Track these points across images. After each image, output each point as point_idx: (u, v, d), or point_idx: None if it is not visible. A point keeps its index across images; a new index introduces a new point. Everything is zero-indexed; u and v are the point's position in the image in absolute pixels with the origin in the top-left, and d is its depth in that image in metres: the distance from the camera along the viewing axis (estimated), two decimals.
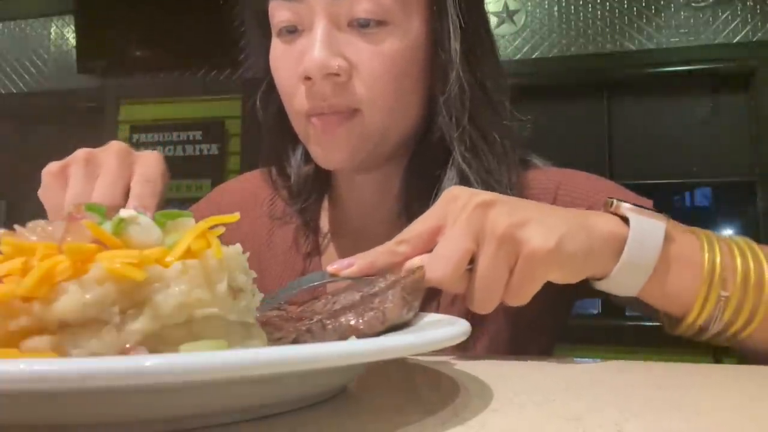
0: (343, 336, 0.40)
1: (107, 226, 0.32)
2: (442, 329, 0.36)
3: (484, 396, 0.36)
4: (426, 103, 0.66)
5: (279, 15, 0.64)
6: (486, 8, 0.70)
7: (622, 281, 0.49)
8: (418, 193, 0.66)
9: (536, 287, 0.47)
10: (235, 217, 0.39)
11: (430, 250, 0.48)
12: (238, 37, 3.43)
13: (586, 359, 0.52)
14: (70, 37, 3.68)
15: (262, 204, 0.80)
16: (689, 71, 2.94)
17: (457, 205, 0.48)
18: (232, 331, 0.33)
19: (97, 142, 0.62)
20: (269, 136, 0.75)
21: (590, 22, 3.05)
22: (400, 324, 0.42)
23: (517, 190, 0.66)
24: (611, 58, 3.01)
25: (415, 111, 0.66)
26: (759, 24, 2.88)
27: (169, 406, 0.28)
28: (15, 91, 3.79)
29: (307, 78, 0.60)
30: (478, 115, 0.64)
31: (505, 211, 0.47)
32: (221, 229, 0.35)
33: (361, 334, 0.40)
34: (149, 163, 0.58)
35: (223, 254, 0.33)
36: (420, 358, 0.51)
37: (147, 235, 0.33)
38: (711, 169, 2.97)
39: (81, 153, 0.57)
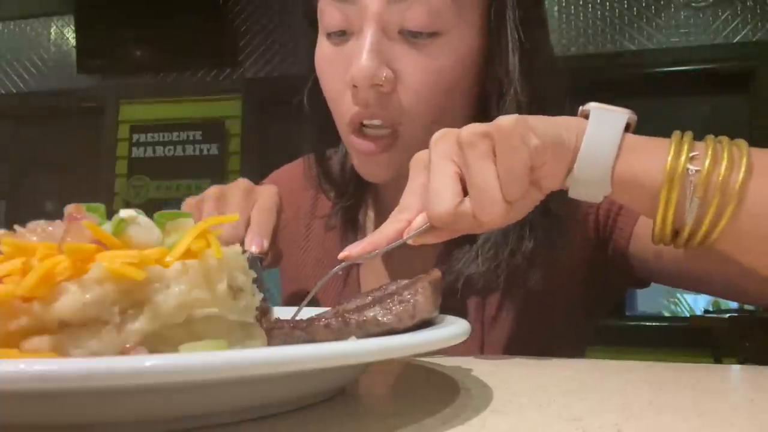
0: (366, 331, 0.39)
1: (107, 227, 0.32)
2: (442, 329, 0.36)
3: (485, 396, 0.36)
4: (477, 110, 0.65)
5: (329, 17, 0.62)
6: (546, 20, 0.68)
7: (587, 173, 0.47)
8: None
9: (523, 165, 0.45)
10: (235, 217, 0.39)
11: None
12: (238, 37, 3.43)
13: (587, 359, 0.52)
14: (70, 37, 3.67)
15: (307, 192, 0.81)
16: (689, 71, 2.93)
17: (424, 158, 0.49)
18: (232, 331, 0.33)
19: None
20: (315, 132, 0.74)
21: (590, 22, 3.04)
22: (426, 322, 0.40)
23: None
24: (611, 58, 3.01)
25: (460, 122, 0.65)
26: (759, 24, 2.87)
27: (169, 406, 0.28)
28: (15, 91, 3.79)
29: (354, 86, 0.59)
30: None
31: (464, 127, 0.47)
32: (221, 230, 0.35)
33: (388, 329, 0.38)
34: (266, 195, 0.61)
35: (223, 254, 0.33)
36: (420, 358, 0.51)
37: (147, 235, 0.33)
38: None
39: (213, 191, 0.62)
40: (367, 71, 0.58)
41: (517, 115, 0.46)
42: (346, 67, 0.60)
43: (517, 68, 0.61)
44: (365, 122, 0.61)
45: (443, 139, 0.47)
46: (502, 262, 0.61)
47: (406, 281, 0.43)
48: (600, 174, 0.47)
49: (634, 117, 0.48)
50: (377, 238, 0.47)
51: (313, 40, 0.67)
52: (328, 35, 0.63)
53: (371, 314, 0.39)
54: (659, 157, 0.46)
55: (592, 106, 0.48)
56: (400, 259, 0.72)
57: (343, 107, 0.62)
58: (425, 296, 0.40)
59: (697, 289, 0.65)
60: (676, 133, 0.48)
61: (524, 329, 0.65)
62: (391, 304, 0.39)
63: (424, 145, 0.61)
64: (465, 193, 0.46)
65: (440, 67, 0.60)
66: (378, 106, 0.60)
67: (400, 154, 0.61)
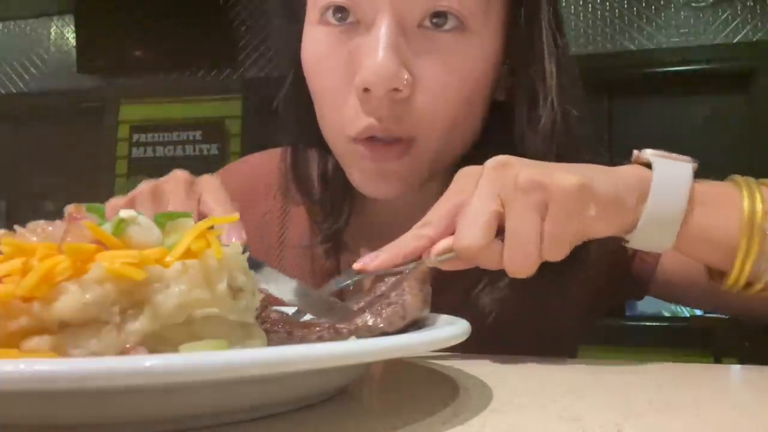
0: (360, 339, 0.38)
1: (107, 227, 0.32)
2: (442, 329, 0.36)
3: (484, 396, 0.36)
4: (490, 120, 0.58)
5: None
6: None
7: (653, 230, 0.44)
8: None
9: (573, 233, 0.43)
10: (235, 217, 0.39)
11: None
12: (238, 37, 3.43)
13: (587, 359, 0.51)
14: (70, 37, 3.68)
15: (276, 201, 0.69)
16: (689, 71, 2.94)
17: (473, 176, 0.45)
18: (232, 331, 0.33)
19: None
20: (294, 147, 0.64)
21: (590, 22, 3.04)
22: (418, 321, 0.40)
23: None
24: (611, 58, 3.01)
25: (472, 135, 0.57)
26: (759, 24, 2.87)
27: (168, 406, 0.28)
28: (15, 91, 3.79)
29: (366, 90, 0.50)
30: (564, 153, 0.53)
31: (524, 165, 0.43)
32: (221, 230, 0.35)
33: (380, 334, 0.38)
34: (213, 187, 0.51)
35: (223, 254, 0.33)
36: (420, 358, 0.51)
37: (147, 235, 0.33)
38: (710, 168, 2.97)
39: (146, 187, 0.50)
40: (386, 72, 0.48)
41: (580, 178, 0.42)
42: (351, 66, 0.51)
43: (555, 75, 0.54)
44: (375, 135, 0.52)
45: (499, 170, 0.43)
46: (519, 290, 0.55)
47: (393, 279, 0.43)
48: (666, 232, 0.45)
49: (695, 164, 0.47)
50: (395, 252, 0.44)
51: (294, 32, 0.57)
52: (322, 19, 0.53)
53: (361, 321, 0.39)
54: (731, 209, 0.45)
55: (651, 156, 0.46)
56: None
57: (345, 117, 0.53)
58: (413, 294, 0.39)
59: (726, 313, 0.63)
60: (737, 181, 0.47)
61: (527, 338, 0.62)
62: (380, 308, 0.39)
63: (440, 156, 0.55)
64: (500, 230, 0.43)
65: (464, 67, 0.52)
66: (392, 118, 0.51)
67: (413, 165, 0.54)
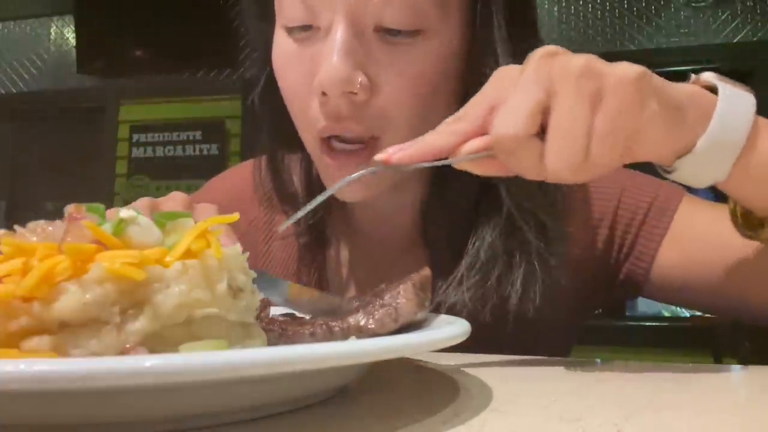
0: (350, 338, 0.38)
1: (107, 227, 0.32)
2: (442, 329, 0.36)
3: (484, 396, 0.36)
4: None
5: (290, 10, 0.53)
6: (536, 21, 0.58)
7: (709, 157, 0.40)
8: (440, 196, 0.60)
9: (627, 132, 0.38)
10: (235, 217, 0.39)
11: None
12: (238, 37, 3.43)
13: (587, 359, 0.52)
14: (70, 37, 3.68)
15: (260, 207, 0.70)
16: (689, 71, 2.93)
17: (515, 72, 0.40)
18: (232, 331, 0.33)
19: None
20: (270, 142, 0.65)
21: (590, 22, 3.04)
22: (412, 324, 0.40)
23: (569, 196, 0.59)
24: (611, 58, 3.00)
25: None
26: (759, 24, 2.87)
27: (168, 406, 0.28)
28: (15, 91, 3.79)
29: (323, 93, 0.51)
30: None
31: (576, 54, 0.39)
32: (221, 230, 0.35)
33: (371, 335, 0.38)
34: (210, 213, 0.51)
35: (223, 254, 0.33)
36: (420, 358, 0.51)
37: (147, 235, 0.33)
38: None
39: (143, 203, 0.51)
40: (339, 76, 0.50)
41: (641, 68, 0.38)
42: (312, 69, 0.52)
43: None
44: (337, 134, 0.54)
45: (547, 58, 0.39)
46: (489, 290, 0.54)
47: (394, 283, 0.42)
48: (723, 160, 0.40)
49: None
50: (424, 146, 0.41)
51: (267, 32, 0.58)
52: (289, 30, 0.54)
53: (353, 321, 0.39)
54: None
55: (714, 79, 0.42)
56: (376, 278, 0.64)
57: (309, 117, 0.54)
58: (407, 298, 0.39)
59: (723, 314, 0.61)
60: None
61: (509, 339, 0.59)
62: (373, 309, 0.39)
63: None
64: (543, 130, 0.38)
65: (423, 69, 0.52)
66: (351, 118, 0.52)
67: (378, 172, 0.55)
